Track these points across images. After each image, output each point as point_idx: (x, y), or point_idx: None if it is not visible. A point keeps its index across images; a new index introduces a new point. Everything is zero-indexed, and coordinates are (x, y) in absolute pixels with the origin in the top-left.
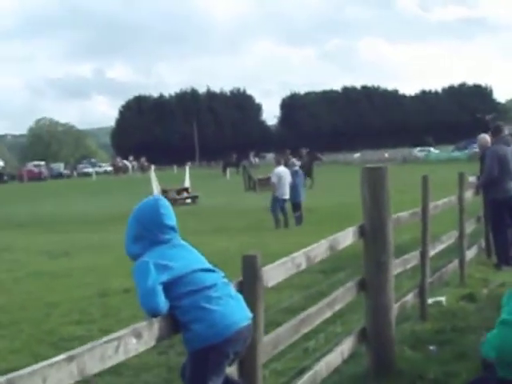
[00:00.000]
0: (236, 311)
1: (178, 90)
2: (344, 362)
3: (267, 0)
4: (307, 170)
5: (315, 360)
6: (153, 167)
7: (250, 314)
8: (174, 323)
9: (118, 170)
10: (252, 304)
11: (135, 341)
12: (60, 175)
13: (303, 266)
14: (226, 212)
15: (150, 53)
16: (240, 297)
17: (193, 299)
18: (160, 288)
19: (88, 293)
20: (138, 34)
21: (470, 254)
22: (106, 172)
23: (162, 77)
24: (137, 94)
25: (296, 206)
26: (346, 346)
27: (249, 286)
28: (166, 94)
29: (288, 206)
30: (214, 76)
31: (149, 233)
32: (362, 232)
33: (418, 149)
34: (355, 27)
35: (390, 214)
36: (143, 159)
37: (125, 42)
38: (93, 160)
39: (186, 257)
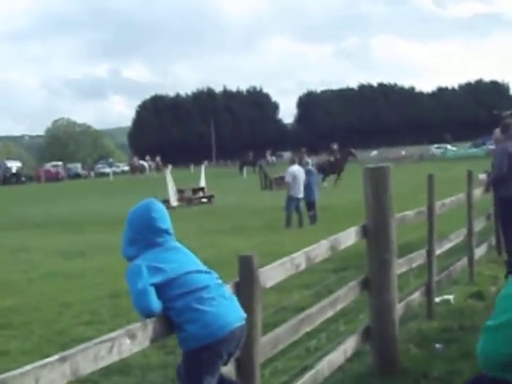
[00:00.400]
0: (229, 312)
1: (194, 89)
2: (348, 361)
3: None
4: (338, 167)
5: (317, 359)
6: (169, 167)
7: (243, 315)
8: (169, 324)
9: (135, 169)
10: (249, 304)
11: (129, 341)
12: (77, 175)
13: (303, 267)
14: (241, 211)
15: (165, 52)
16: (234, 298)
17: (186, 300)
18: (152, 289)
19: (99, 293)
20: (154, 33)
21: (480, 251)
22: (123, 172)
23: (178, 76)
24: (153, 93)
25: (310, 205)
26: (349, 345)
27: (245, 286)
28: (183, 93)
29: (302, 204)
30: (230, 74)
31: (142, 236)
32: (364, 231)
33: (435, 146)
34: (371, 24)
35: (393, 213)
36: (158, 158)
37: (141, 42)
38: (110, 160)
39: (179, 259)
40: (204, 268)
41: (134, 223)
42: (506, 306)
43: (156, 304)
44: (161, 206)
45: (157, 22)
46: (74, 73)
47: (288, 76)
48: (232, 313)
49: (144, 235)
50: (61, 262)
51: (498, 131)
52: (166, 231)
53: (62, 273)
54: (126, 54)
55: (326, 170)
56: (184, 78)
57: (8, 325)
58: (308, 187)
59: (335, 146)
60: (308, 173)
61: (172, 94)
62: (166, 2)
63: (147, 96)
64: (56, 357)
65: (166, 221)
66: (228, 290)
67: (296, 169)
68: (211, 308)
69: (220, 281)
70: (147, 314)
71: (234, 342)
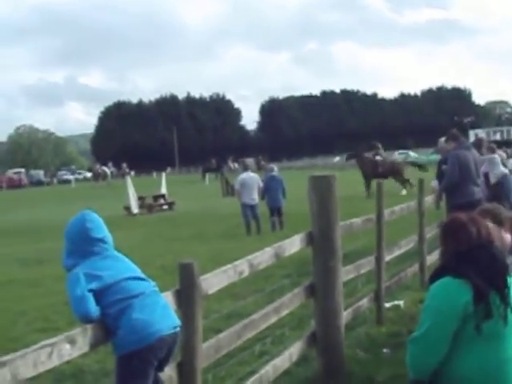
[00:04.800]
0: (160, 319)
1: (152, 97)
2: (295, 365)
3: (239, 5)
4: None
5: (262, 364)
6: (131, 173)
7: (176, 323)
8: (108, 330)
9: (98, 176)
10: (189, 311)
11: (69, 346)
12: (40, 182)
13: (246, 274)
14: (202, 218)
15: (122, 59)
16: (168, 305)
17: (119, 307)
18: (90, 295)
19: (56, 301)
20: (111, 40)
21: (432, 258)
22: (85, 179)
23: (135, 83)
24: (110, 100)
25: (273, 211)
26: (295, 350)
27: (186, 293)
28: (142, 100)
29: (264, 210)
30: (189, 81)
31: (78, 247)
32: (310, 238)
33: (398, 152)
34: (328, 32)
35: (338, 221)
36: (124, 165)
37: (97, 49)
38: (73, 167)
39: (115, 267)
40: (141, 275)
41: (70, 235)
42: (424, 317)
43: (94, 309)
44: (95, 217)
45: (113, 28)
46: (28, 79)
47: (248, 83)
48: (163, 320)
49: (80, 246)
50: (18, 270)
51: (442, 141)
52: (102, 240)
53: (18, 281)
54: (82, 61)
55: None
56: (142, 85)
57: None
58: (270, 193)
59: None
60: (272, 179)
61: (131, 100)
62: (123, 8)
63: (104, 103)
64: None
65: (101, 230)
66: (163, 297)
67: (246, 176)
68: (142, 315)
69: (156, 288)
70: (86, 319)
71: (164, 349)
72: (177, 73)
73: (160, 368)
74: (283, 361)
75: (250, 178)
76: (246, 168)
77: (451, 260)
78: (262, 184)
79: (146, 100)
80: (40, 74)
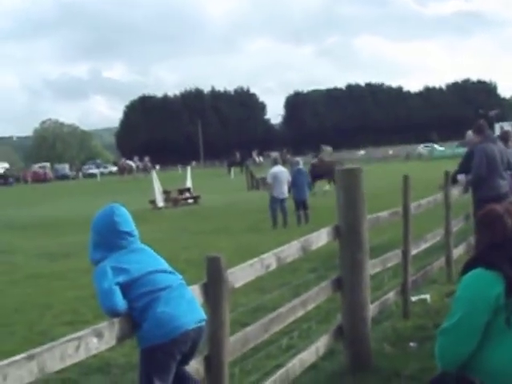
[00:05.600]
0: (186, 313)
1: (175, 90)
2: (322, 359)
3: None
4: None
5: (289, 358)
6: (156, 167)
7: (202, 317)
8: (134, 323)
9: (123, 170)
10: (216, 304)
11: (96, 340)
12: (65, 176)
13: (273, 267)
14: (227, 212)
15: (146, 53)
16: (194, 299)
17: (146, 300)
18: (117, 289)
19: (83, 294)
20: (134, 34)
21: (459, 251)
22: (111, 173)
23: (159, 76)
24: (133, 94)
25: (299, 205)
26: (321, 343)
27: (213, 287)
28: (166, 94)
29: (290, 204)
30: (213, 75)
31: (106, 240)
32: (337, 232)
33: (422, 145)
34: (352, 24)
35: (365, 214)
36: (146, 159)
37: (120, 43)
38: (98, 161)
39: (142, 260)
40: (168, 268)
41: (97, 228)
42: (455, 308)
43: (121, 303)
44: (123, 210)
45: (137, 22)
46: (52, 73)
47: (272, 76)
48: (189, 314)
49: (107, 239)
50: (45, 264)
51: (470, 133)
52: (129, 233)
53: (45, 274)
54: (105, 55)
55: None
56: (165, 78)
57: None
58: (297, 187)
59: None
60: (298, 172)
61: (156, 94)
62: (146, 2)
63: (128, 96)
64: (23, 355)
65: (128, 224)
66: (190, 291)
67: (277, 170)
68: (168, 308)
69: (183, 282)
70: (113, 313)
71: (188, 343)
72: (200, 66)
73: (184, 362)
74: (310, 355)
75: (281, 172)
76: (275, 162)
77: (485, 251)
78: (290, 178)
79: (170, 94)
80: (64, 68)
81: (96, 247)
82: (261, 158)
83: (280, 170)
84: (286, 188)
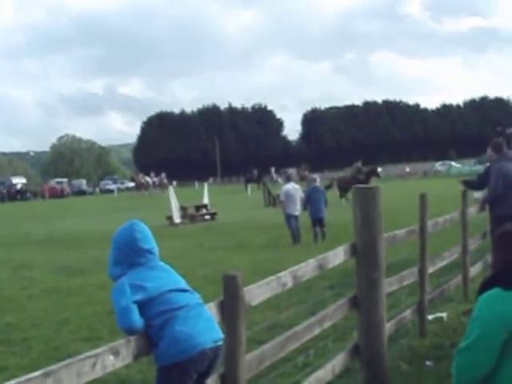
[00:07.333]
0: (203, 332)
1: (192, 106)
2: (338, 378)
3: (277, 14)
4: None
5: (305, 376)
6: (174, 183)
7: (219, 336)
8: (151, 341)
9: (140, 186)
10: (233, 322)
11: (112, 357)
12: (82, 192)
13: (289, 285)
14: (244, 228)
15: (161, 69)
16: (212, 318)
17: (163, 318)
18: (134, 307)
19: (98, 310)
20: (150, 50)
21: (475, 269)
22: (128, 188)
23: (175, 93)
24: (150, 110)
25: (316, 222)
26: (337, 362)
27: (229, 305)
28: (184, 110)
29: (306, 221)
30: (229, 91)
31: (126, 256)
32: (354, 250)
33: (440, 163)
34: (367, 41)
35: (382, 232)
36: (163, 175)
37: (136, 59)
38: (115, 177)
39: (161, 278)
40: (186, 287)
41: (118, 244)
42: (472, 327)
43: (138, 321)
44: (144, 227)
45: (152, 38)
46: (68, 89)
47: (288, 93)
48: (206, 333)
49: (127, 255)
50: (61, 279)
51: (489, 150)
52: (149, 251)
53: (62, 289)
54: (121, 71)
55: (347, 187)
56: (181, 94)
57: (7, 341)
58: (314, 204)
59: (359, 164)
60: (315, 190)
61: (173, 110)
62: (162, 18)
63: (144, 112)
64: (40, 372)
65: (149, 241)
66: (207, 310)
67: (290, 187)
68: (185, 327)
69: (201, 301)
70: (129, 330)
71: (205, 362)
72: (216, 82)
73: (201, 381)
74: (326, 373)
75: (294, 189)
76: (289, 179)
77: (502, 270)
78: (303, 195)
79: (187, 110)
80: (80, 84)
81: (115, 263)
82: (278, 175)
83: (293, 186)
84: (299, 204)
